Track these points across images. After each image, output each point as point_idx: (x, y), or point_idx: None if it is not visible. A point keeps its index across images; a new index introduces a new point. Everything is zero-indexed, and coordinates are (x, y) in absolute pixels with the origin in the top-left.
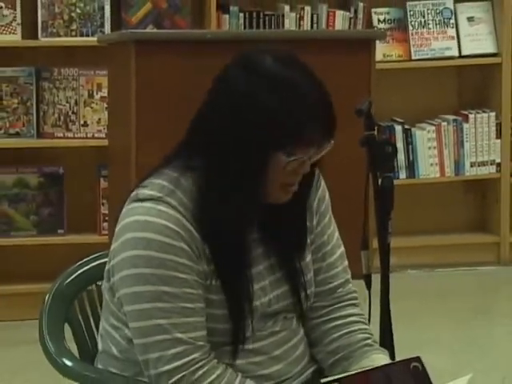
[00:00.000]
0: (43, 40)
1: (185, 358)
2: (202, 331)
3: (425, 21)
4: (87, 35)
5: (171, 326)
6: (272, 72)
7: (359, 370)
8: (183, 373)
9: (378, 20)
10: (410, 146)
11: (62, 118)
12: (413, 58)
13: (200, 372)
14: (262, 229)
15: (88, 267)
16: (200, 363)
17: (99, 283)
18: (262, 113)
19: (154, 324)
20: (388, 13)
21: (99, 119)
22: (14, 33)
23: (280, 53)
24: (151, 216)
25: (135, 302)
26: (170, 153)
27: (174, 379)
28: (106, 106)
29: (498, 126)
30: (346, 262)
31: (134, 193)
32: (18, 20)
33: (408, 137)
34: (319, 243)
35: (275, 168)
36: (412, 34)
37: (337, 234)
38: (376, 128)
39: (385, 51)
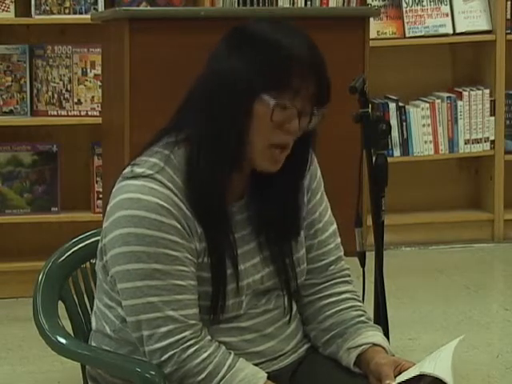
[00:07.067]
0: (36, 17)
1: (175, 336)
2: (194, 309)
3: None
4: (80, 12)
5: (163, 304)
6: (262, 34)
7: None
8: (174, 351)
9: None
10: (404, 124)
11: (55, 95)
12: (407, 35)
13: (191, 350)
14: (254, 208)
15: (82, 245)
16: (190, 341)
17: (93, 261)
18: (251, 60)
19: (146, 302)
20: None
21: (93, 97)
22: (7, 10)
23: (277, 20)
24: (142, 194)
25: (127, 279)
26: (161, 130)
27: (164, 357)
28: (99, 83)
29: (492, 103)
30: (339, 240)
31: (125, 170)
32: None
33: (402, 114)
34: (311, 220)
35: (262, 117)
36: (406, 12)
37: (329, 211)
38: (370, 105)
39: (379, 28)
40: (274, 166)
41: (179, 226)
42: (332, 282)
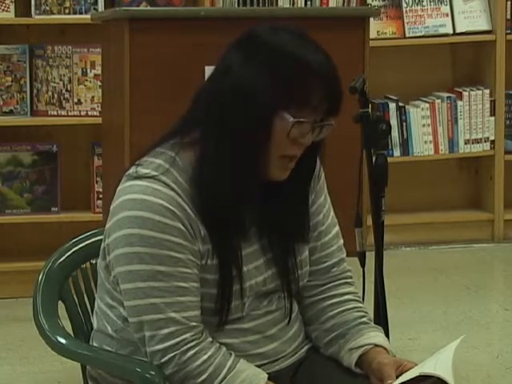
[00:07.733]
0: (36, 17)
1: (176, 338)
2: (196, 311)
3: None
4: (80, 13)
5: (165, 305)
6: (279, 45)
7: None
8: (174, 353)
9: None
10: (404, 124)
11: (55, 95)
12: (407, 35)
13: (191, 352)
14: (261, 211)
15: (82, 245)
16: (191, 343)
17: (93, 261)
18: (272, 74)
19: (149, 303)
20: None
21: (93, 97)
22: (7, 10)
23: (292, 28)
24: (147, 195)
25: (130, 280)
26: (168, 131)
27: (165, 358)
28: (99, 83)
29: (492, 103)
30: (341, 241)
31: (129, 171)
32: None
33: (402, 114)
34: (314, 222)
35: (279, 132)
36: (406, 12)
37: (332, 212)
38: (370, 105)
39: (379, 28)
40: (283, 175)
41: (183, 228)
42: (334, 283)
